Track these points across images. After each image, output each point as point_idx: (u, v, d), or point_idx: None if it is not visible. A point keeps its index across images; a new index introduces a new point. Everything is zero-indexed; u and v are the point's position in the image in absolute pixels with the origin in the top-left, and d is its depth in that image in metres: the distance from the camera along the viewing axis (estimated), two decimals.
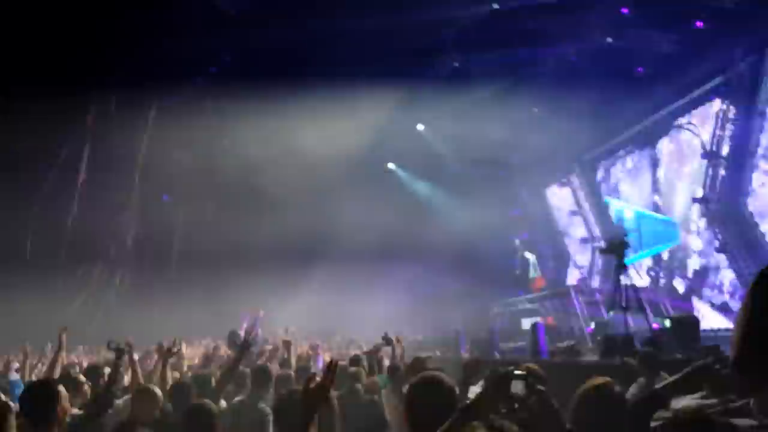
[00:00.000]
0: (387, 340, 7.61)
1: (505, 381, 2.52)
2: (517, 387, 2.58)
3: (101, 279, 18.46)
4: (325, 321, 17.03)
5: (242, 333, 10.07)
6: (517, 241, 19.71)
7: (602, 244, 9.28)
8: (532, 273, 17.86)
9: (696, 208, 14.37)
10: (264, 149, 16.86)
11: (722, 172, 13.67)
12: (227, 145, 17.61)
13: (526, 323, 12.71)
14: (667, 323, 8.23)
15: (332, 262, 19.17)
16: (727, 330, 12.32)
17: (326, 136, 16.77)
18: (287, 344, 7.87)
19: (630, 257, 9.40)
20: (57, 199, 16.56)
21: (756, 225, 12.79)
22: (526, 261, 18.48)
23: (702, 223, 14.17)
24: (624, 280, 8.38)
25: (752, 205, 13.00)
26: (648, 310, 8.18)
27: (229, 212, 19.00)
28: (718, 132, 13.85)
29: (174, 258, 19.50)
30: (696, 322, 8.58)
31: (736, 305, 12.83)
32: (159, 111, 16.51)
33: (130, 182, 18.29)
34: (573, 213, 19.53)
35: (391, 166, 20.60)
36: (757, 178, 12.90)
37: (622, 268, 8.52)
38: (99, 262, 18.46)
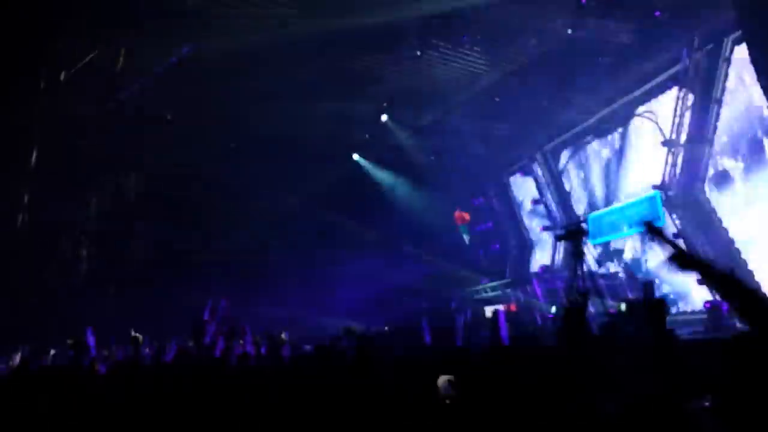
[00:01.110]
0: (348, 332, 7.54)
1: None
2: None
3: (58, 275, 17.99)
4: (287, 313, 16.85)
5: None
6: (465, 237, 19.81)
7: (561, 231, 9.32)
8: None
9: (656, 195, 14.57)
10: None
11: (680, 159, 13.88)
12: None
13: (489, 311, 12.77)
14: (623, 307, 8.31)
15: (292, 253, 19.10)
16: (684, 313, 12.56)
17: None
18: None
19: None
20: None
21: (712, 211, 13.01)
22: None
23: (664, 209, 14.38)
24: (581, 266, 8.44)
25: (708, 190, 13.22)
26: (605, 295, 8.26)
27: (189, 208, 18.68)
28: (676, 120, 14.04)
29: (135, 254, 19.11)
30: (665, 303, 8.70)
31: (692, 288, 13.10)
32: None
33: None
34: (536, 202, 19.70)
35: (355, 156, 20.49)
36: (713, 165, 13.12)
37: (579, 254, 8.58)
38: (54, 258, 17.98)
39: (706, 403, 4.30)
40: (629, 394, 2.54)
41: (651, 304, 3.13)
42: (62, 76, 14.11)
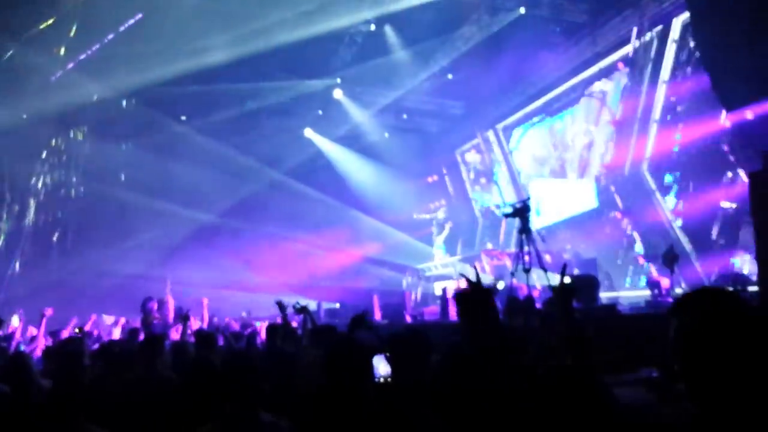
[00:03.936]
0: (299, 310, 7.43)
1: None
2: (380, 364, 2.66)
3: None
4: (234, 290, 16.74)
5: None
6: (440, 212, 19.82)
7: (509, 208, 9.40)
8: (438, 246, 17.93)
9: (604, 174, 14.82)
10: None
11: (628, 138, 14.13)
12: None
13: (439, 288, 12.91)
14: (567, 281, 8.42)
15: (241, 230, 18.98)
16: (627, 288, 12.89)
17: None
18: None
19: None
20: None
21: (656, 190, 13.31)
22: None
23: (610, 188, 14.63)
24: (527, 243, 8.52)
25: (652, 170, 13.51)
26: (548, 272, 8.36)
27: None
28: (625, 100, 14.28)
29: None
30: (595, 282, 8.84)
31: (636, 267, 13.44)
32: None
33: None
34: (487, 179, 19.90)
35: (308, 133, 20.28)
36: (658, 144, 13.39)
37: (525, 231, 8.66)
38: None
39: (654, 374, 4.42)
40: (554, 366, 2.56)
41: (561, 287, 3.13)
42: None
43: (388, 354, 2.68)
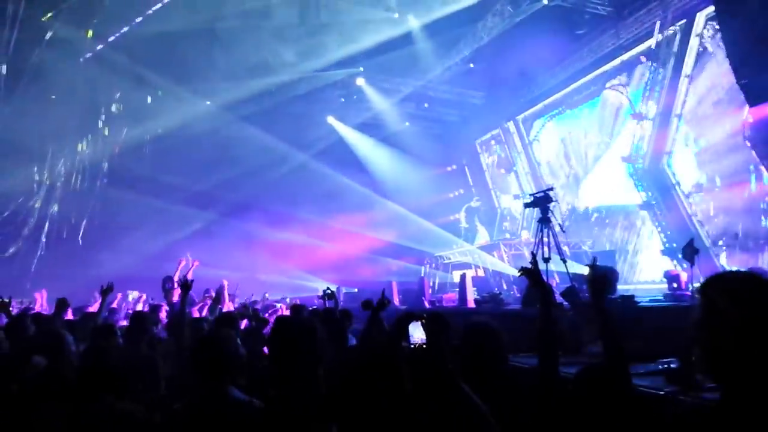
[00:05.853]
0: (328, 295, 7.60)
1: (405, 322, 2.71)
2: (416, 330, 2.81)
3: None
4: (257, 277, 16.94)
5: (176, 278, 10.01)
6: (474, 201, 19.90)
7: (529, 198, 9.51)
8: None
9: (624, 167, 14.81)
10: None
11: (649, 132, 14.12)
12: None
13: (458, 275, 13.04)
14: (586, 273, 8.51)
15: (265, 214, 19.18)
16: (645, 282, 12.94)
17: None
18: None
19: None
20: None
21: (676, 184, 13.31)
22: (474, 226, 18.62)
23: (629, 181, 14.63)
24: (546, 233, 8.64)
25: (674, 164, 13.51)
26: (567, 262, 8.48)
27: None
28: (646, 93, 14.25)
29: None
30: (614, 273, 8.96)
31: (655, 260, 13.48)
32: None
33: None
34: (507, 169, 19.94)
35: (330, 119, 20.40)
36: (679, 138, 13.39)
37: (545, 221, 8.77)
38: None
39: (673, 365, 4.52)
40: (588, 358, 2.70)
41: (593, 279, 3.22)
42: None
43: (423, 321, 2.83)
